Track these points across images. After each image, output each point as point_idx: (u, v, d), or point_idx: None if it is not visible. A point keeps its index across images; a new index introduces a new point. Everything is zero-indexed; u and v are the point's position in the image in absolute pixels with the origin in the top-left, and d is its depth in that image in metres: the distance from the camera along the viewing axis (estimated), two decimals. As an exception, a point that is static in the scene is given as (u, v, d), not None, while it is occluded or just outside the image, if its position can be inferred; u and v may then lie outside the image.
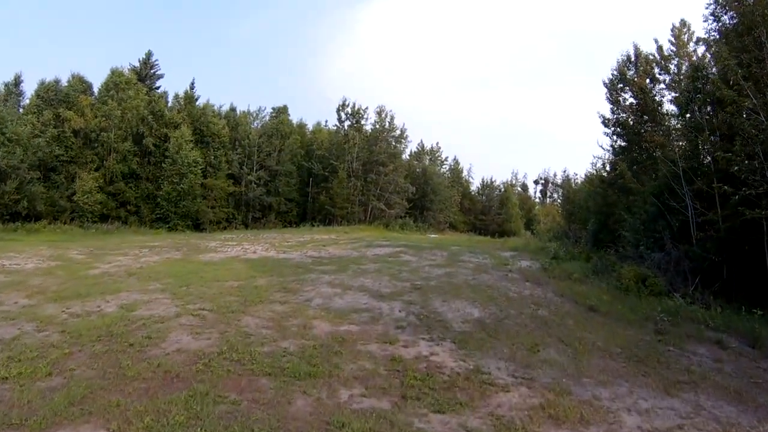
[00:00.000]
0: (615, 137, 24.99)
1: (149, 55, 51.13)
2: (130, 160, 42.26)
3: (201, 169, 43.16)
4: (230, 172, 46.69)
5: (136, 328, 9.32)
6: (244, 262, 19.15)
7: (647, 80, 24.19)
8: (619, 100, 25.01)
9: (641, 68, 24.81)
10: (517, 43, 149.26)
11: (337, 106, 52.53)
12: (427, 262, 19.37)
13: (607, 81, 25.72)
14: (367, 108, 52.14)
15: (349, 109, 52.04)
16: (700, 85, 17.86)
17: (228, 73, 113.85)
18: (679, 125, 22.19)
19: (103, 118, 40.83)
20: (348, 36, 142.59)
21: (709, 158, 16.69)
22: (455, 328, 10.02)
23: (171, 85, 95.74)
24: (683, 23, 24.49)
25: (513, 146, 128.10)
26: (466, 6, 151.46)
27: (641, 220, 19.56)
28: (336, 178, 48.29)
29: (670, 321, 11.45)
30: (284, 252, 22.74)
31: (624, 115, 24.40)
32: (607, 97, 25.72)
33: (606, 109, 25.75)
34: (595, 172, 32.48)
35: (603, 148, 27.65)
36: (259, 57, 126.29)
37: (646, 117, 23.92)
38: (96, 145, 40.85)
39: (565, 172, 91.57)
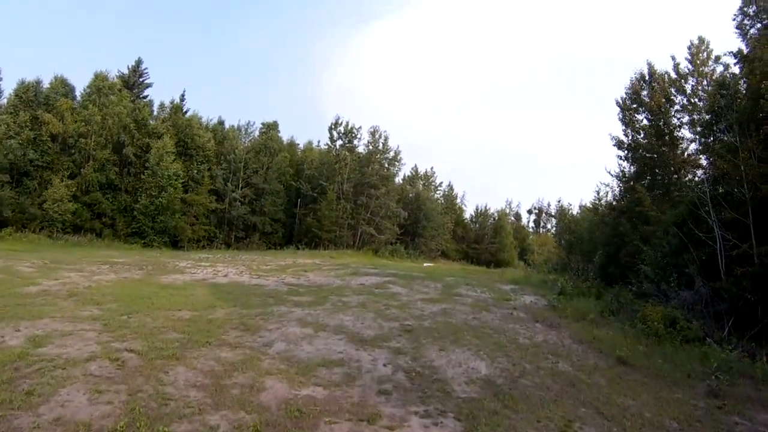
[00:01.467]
0: (629, 161, 22.84)
1: (139, 62, 49.08)
2: (109, 169, 39.92)
3: (182, 182, 40.70)
4: (214, 187, 44.23)
5: (27, 374, 6.81)
6: (209, 288, 16.59)
7: (663, 100, 22.14)
8: (633, 121, 22.94)
9: (657, 87, 22.78)
10: (516, 70, 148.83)
11: (330, 125, 50.42)
12: (420, 295, 16.88)
13: (620, 100, 23.72)
14: (360, 128, 50.07)
15: (341, 128, 49.87)
16: (727, 102, 15.82)
17: (222, 88, 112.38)
18: (698, 148, 20.20)
19: (83, 123, 38.68)
20: (347, 56, 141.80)
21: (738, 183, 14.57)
22: (458, 392, 7.46)
23: (162, 95, 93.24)
24: (701, 40, 22.56)
25: (507, 175, 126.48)
26: (467, 32, 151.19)
27: (662, 252, 17.27)
28: (324, 199, 45.82)
29: (727, 381, 9.06)
30: (259, 277, 20.23)
31: (640, 135, 22.28)
32: (620, 117, 23.71)
33: (618, 130, 23.83)
34: (599, 200, 30.35)
35: (611, 174, 25.49)
36: (256, 73, 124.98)
37: (661, 140, 21.86)
38: (73, 151, 38.72)
39: (559, 202, 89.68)
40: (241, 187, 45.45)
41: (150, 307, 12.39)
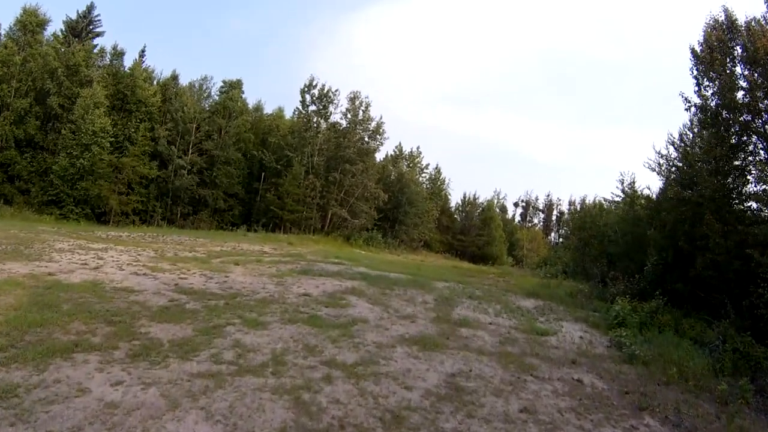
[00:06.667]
0: (717, 128, 15.67)
1: (91, 7, 40.68)
2: (29, 122, 32.22)
3: (111, 141, 32.59)
4: (156, 150, 36.10)
5: None
6: (36, 292, 9.22)
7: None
8: (722, 75, 15.77)
9: (753, 31, 15.63)
10: (499, 64, 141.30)
11: (302, 87, 41.97)
12: (400, 327, 9.44)
13: (697, 48, 16.53)
14: (338, 91, 41.83)
15: (316, 92, 41.74)
16: None
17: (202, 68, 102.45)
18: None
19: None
20: (334, 42, 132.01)
21: None
22: None
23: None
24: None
25: (490, 166, 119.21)
26: (454, 25, 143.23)
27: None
28: (289, 173, 38.02)
29: None
30: (151, 271, 12.89)
31: (735, 94, 15.10)
32: (695, 73, 16.51)
33: (689, 89, 16.78)
34: (623, 190, 23.40)
35: (659, 156, 18.62)
36: (239, 54, 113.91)
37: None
38: (-15, 99, 31.12)
39: (548, 196, 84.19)
40: (190, 153, 37.47)
41: None
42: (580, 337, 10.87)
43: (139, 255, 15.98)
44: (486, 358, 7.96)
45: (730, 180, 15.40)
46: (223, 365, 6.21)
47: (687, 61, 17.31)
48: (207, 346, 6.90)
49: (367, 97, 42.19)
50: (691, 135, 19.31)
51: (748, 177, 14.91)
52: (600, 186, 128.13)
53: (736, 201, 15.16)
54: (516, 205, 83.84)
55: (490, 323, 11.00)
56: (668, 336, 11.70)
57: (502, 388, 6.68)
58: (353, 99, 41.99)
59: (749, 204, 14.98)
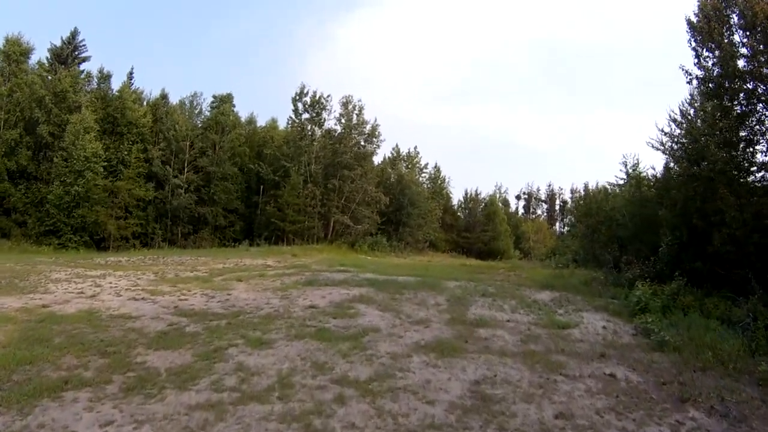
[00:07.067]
0: (722, 99, 15.13)
1: (74, 33, 40.20)
2: (20, 153, 31.86)
3: (104, 166, 32.24)
4: (150, 172, 35.70)
5: None
6: (27, 326, 8.79)
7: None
8: (722, 45, 15.26)
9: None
10: (492, 56, 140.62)
11: (294, 95, 41.59)
12: (414, 333, 8.89)
13: (694, 18, 16.01)
14: (330, 97, 41.43)
15: (308, 99, 41.35)
16: None
17: (193, 79, 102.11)
18: None
19: (-15, 97, 31.03)
20: (326, 46, 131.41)
21: None
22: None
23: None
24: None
25: (490, 161, 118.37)
26: (443, 22, 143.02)
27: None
28: (288, 183, 37.55)
29: None
30: (150, 294, 12.43)
31: (738, 63, 14.59)
32: (692, 43, 16.00)
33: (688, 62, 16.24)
34: (627, 172, 23.05)
35: (663, 134, 18.32)
36: (228, 66, 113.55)
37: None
38: (-27, 132, 31.04)
39: (549, 186, 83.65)
40: (186, 171, 37.01)
41: None
42: (604, 327, 10.32)
43: (138, 279, 15.50)
44: (510, 360, 7.43)
45: (739, 152, 14.89)
46: (224, 393, 5.69)
47: (679, 43, 16.75)
48: (207, 373, 6.38)
49: (360, 101, 41.83)
50: (692, 110, 18.87)
51: (757, 147, 14.45)
52: (601, 172, 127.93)
53: (746, 173, 14.67)
54: (518, 197, 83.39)
55: (508, 320, 10.46)
56: (694, 318, 11.13)
57: (532, 392, 6.14)
58: (346, 103, 41.64)
59: (761, 174, 14.48)
